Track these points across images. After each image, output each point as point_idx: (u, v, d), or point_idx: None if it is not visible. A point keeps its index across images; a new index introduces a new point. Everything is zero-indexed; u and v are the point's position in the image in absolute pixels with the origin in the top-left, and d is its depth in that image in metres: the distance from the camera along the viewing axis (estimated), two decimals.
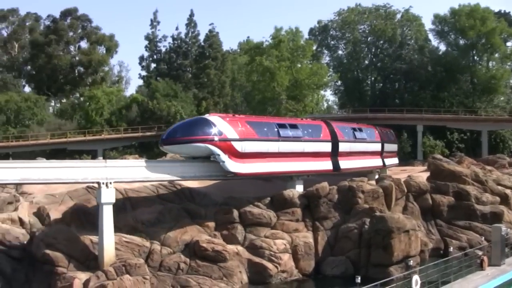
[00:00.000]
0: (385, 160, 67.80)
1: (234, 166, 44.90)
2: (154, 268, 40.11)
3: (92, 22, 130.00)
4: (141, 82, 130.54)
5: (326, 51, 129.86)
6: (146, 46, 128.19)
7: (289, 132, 50.74)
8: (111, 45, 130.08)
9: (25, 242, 40.65)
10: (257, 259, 43.35)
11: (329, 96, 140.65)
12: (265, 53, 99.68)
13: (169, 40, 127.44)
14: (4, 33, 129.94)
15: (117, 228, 40.07)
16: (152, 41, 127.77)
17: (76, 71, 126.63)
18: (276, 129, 49.38)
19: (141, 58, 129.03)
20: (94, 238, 39.75)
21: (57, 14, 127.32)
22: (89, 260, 39.04)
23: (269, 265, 43.10)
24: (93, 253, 39.29)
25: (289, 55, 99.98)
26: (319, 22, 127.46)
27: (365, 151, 62.52)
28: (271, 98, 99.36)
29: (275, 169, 49.62)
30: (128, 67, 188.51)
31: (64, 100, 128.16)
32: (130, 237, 41.44)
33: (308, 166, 52.56)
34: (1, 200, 46.93)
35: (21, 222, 42.80)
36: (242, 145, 45.57)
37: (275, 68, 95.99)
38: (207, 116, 47.22)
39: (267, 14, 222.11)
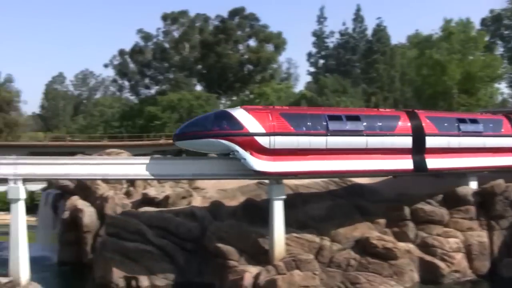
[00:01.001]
0: None
1: (259, 164, 39.17)
2: (323, 264, 40.17)
3: (259, 21, 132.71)
4: (309, 78, 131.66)
5: (499, 42, 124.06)
6: (313, 43, 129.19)
7: (345, 125, 42.67)
8: (279, 43, 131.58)
9: (198, 235, 41.97)
10: (428, 258, 42.19)
11: (504, 89, 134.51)
12: (434, 46, 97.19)
13: (337, 35, 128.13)
14: (176, 34, 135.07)
15: (288, 224, 40.42)
16: (319, 37, 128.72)
17: (245, 69, 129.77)
18: (324, 122, 41.81)
19: (309, 55, 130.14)
20: (265, 233, 40.40)
21: (225, 14, 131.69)
22: (259, 255, 39.77)
23: (441, 264, 41.81)
24: (264, 248, 39.96)
25: (460, 47, 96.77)
26: (491, 11, 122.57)
27: (478, 147, 50.49)
28: (442, 92, 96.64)
29: (321, 168, 42.16)
30: (296, 64, 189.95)
31: (234, 98, 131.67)
32: (300, 232, 41.84)
33: (373, 165, 43.95)
34: (175, 194, 48.93)
35: (194, 216, 44.13)
36: (271, 140, 39.60)
37: (445, 61, 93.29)
38: (229, 109, 42.82)
39: (436, 5, 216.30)
